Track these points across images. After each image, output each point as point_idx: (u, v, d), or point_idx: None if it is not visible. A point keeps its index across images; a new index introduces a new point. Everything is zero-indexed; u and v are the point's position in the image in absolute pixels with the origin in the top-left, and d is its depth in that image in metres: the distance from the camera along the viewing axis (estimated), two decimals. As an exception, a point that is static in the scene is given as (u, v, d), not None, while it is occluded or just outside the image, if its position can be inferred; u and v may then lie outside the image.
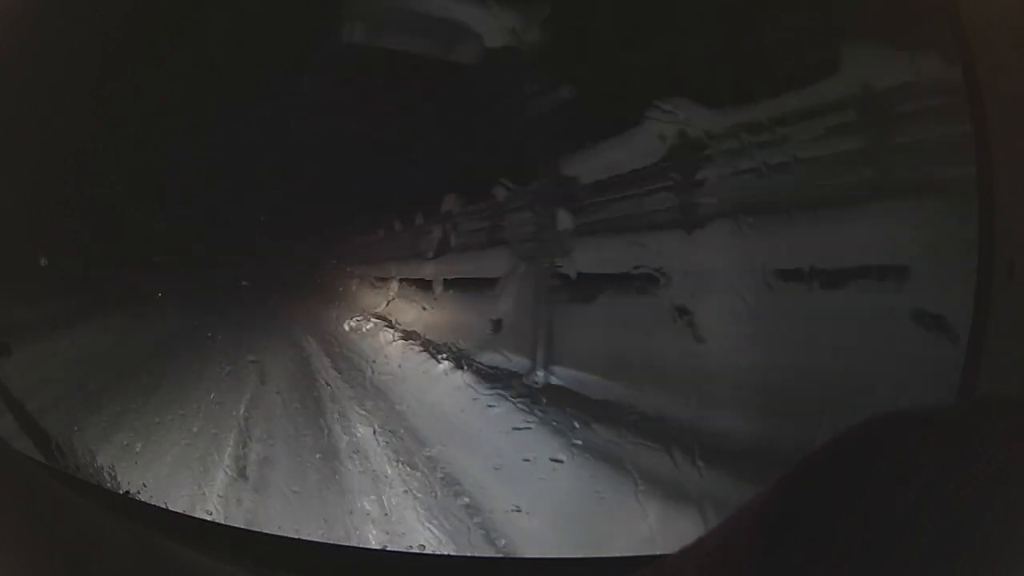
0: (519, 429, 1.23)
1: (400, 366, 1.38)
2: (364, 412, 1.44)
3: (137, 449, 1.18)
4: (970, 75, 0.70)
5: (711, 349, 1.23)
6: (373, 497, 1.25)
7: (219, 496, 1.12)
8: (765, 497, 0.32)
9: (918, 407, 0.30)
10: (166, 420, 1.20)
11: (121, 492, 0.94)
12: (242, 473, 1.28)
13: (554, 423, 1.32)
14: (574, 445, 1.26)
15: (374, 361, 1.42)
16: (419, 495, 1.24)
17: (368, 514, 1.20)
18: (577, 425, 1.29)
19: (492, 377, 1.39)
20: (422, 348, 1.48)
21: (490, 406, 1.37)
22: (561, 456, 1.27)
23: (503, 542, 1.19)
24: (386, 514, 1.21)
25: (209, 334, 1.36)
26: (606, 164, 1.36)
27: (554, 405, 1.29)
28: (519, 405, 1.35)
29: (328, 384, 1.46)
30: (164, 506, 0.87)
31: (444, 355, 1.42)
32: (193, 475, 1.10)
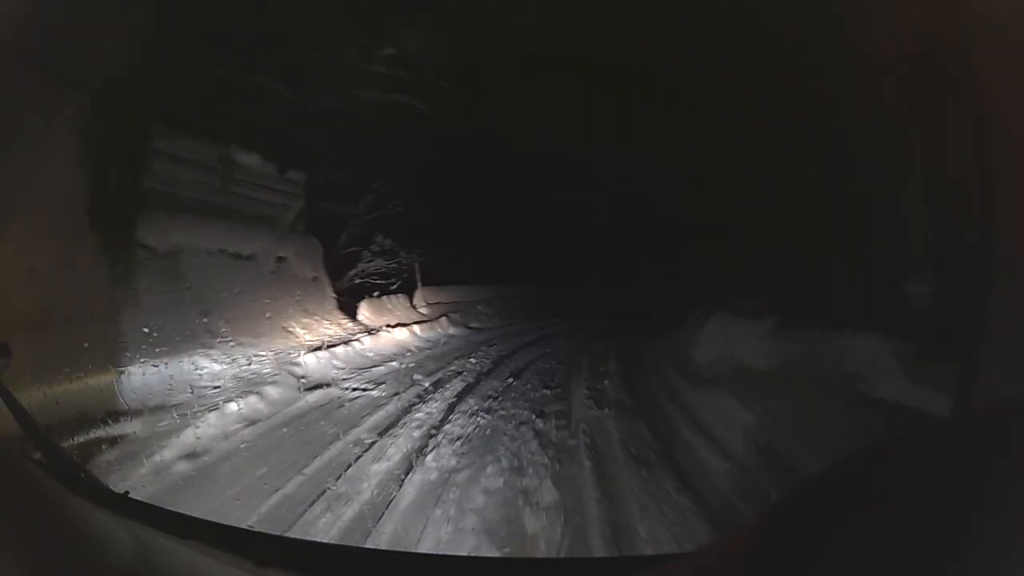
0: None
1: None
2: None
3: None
4: (970, 73, 0.70)
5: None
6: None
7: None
8: (769, 509, 0.33)
9: (915, 423, 0.30)
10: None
11: (121, 492, 0.94)
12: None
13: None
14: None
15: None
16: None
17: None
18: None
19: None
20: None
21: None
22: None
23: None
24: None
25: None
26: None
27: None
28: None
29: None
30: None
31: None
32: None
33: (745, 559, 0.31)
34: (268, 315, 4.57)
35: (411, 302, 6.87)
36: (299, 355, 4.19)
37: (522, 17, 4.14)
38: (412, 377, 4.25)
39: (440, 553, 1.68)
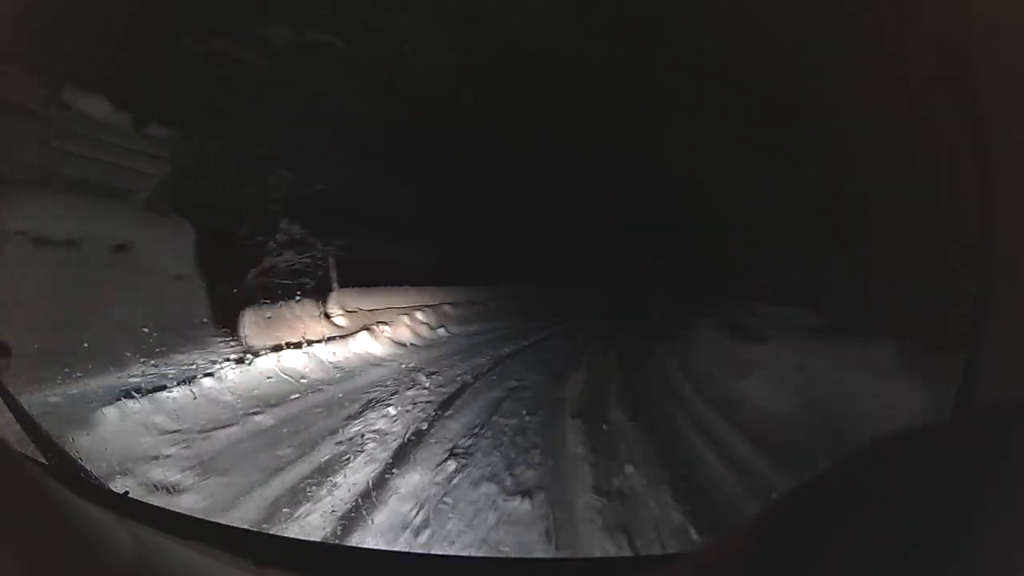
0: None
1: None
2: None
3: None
4: (970, 73, 0.70)
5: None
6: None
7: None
8: (769, 509, 0.33)
9: (913, 426, 0.31)
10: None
11: (121, 492, 0.94)
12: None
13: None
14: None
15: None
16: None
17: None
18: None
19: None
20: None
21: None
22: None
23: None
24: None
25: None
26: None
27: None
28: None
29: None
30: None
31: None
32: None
33: (745, 559, 0.31)
34: (84, 330, 2.84)
35: (323, 309, 4.98)
36: (103, 406, 2.48)
37: (522, 17, 4.15)
38: (274, 454, 2.39)
39: (440, 553, 1.68)
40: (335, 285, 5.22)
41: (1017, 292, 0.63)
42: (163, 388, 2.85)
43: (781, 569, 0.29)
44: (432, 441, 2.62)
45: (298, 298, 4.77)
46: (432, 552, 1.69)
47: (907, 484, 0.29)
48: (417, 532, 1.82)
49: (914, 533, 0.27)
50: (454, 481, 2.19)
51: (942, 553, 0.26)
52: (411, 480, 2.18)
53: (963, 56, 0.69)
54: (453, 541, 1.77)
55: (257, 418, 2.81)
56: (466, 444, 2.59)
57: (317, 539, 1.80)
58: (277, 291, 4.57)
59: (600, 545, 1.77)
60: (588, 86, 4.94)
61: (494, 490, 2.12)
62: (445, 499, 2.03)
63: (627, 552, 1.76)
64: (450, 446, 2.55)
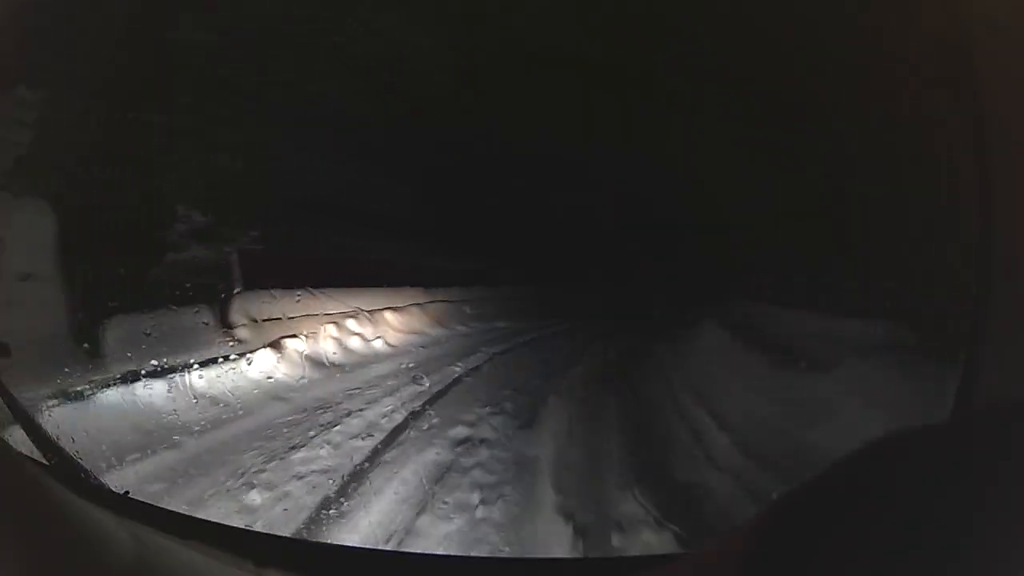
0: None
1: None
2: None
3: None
4: (970, 73, 0.71)
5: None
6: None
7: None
8: (769, 509, 0.33)
9: (915, 426, 0.31)
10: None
11: (121, 492, 0.95)
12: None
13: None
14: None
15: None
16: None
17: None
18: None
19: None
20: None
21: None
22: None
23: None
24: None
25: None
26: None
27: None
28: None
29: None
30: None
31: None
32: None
33: (745, 559, 0.31)
34: None
35: (221, 321, 3.58)
36: None
37: (522, 17, 4.14)
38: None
39: (439, 553, 1.68)
40: (239, 287, 3.77)
41: (1017, 292, 0.63)
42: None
43: (781, 569, 0.30)
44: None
45: (190, 305, 3.44)
46: (432, 551, 1.69)
47: (907, 484, 0.29)
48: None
49: (914, 533, 0.27)
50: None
51: (942, 553, 0.26)
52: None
53: (963, 56, 0.69)
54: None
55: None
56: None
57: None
58: (164, 295, 3.26)
59: None
60: (588, 86, 4.94)
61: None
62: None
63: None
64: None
